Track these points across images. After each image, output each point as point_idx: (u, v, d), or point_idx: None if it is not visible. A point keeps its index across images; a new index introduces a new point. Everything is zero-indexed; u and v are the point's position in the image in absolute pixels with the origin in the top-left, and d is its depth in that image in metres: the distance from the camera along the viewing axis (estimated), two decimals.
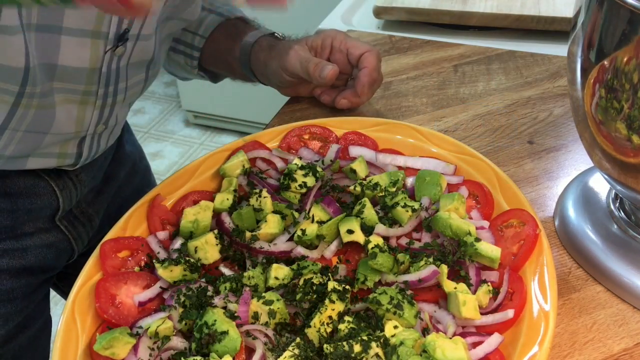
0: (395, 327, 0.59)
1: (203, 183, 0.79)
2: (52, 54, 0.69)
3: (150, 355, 0.60)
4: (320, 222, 0.71)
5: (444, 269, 0.63)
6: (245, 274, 0.66)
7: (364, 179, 0.76)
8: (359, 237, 0.68)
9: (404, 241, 0.70)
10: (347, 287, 0.63)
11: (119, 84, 0.79)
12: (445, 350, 0.56)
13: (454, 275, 0.65)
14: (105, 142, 0.87)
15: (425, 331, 0.61)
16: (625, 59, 0.55)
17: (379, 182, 0.74)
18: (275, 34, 0.98)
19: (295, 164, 0.77)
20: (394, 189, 0.74)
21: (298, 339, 0.59)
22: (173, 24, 0.89)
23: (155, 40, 0.81)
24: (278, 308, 0.62)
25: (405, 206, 0.70)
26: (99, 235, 0.99)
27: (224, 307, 0.63)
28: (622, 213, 0.71)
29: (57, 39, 0.68)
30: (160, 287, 0.66)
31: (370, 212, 0.71)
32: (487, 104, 0.98)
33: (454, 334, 0.60)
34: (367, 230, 0.70)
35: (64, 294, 1.12)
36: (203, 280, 0.67)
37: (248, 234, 0.70)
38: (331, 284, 0.63)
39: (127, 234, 0.71)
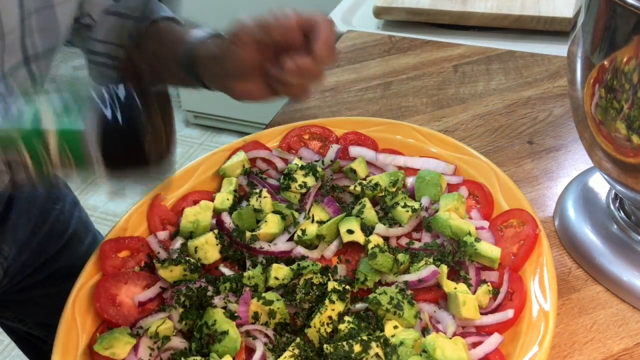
0: (395, 327, 0.60)
1: (203, 183, 0.79)
2: None
3: (150, 355, 0.60)
4: (320, 222, 0.71)
5: (444, 269, 0.63)
6: (245, 274, 0.66)
7: (364, 179, 0.76)
8: (359, 237, 0.68)
9: (404, 241, 0.70)
10: (347, 287, 0.63)
11: None
12: (445, 350, 0.56)
13: (454, 275, 0.65)
14: None
15: (425, 331, 0.61)
16: (625, 59, 0.55)
17: (379, 182, 0.74)
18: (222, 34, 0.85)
19: (295, 164, 0.77)
20: (394, 189, 0.74)
21: (298, 339, 0.59)
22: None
23: None
24: (278, 308, 0.62)
25: (405, 206, 0.70)
26: (17, 262, 0.95)
27: (224, 307, 0.63)
28: (622, 213, 0.71)
29: None
30: (160, 287, 0.66)
31: (370, 212, 0.71)
32: (487, 104, 0.98)
33: (454, 334, 0.60)
34: (367, 230, 0.70)
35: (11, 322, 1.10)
36: (203, 280, 0.67)
37: (248, 234, 0.70)
38: (331, 284, 0.63)
39: (127, 234, 0.71)
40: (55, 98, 0.50)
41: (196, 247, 0.68)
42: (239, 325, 0.61)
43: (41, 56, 0.81)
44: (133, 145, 0.51)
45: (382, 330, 0.60)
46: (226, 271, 0.68)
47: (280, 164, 0.80)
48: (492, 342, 0.58)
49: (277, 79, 0.81)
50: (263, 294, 0.63)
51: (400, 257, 0.66)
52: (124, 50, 0.90)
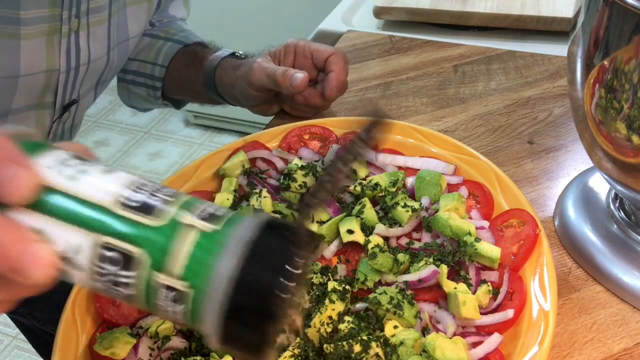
0: (395, 327, 0.59)
1: (203, 183, 0.79)
2: None
3: (150, 355, 0.60)
4: (320, 222, 0.71)
5: (444, 269, 0.63)
6: None
7: (364, 179, 0.76)
8: (359, 237, 0.68)
9: (404, 241, 0.70)
10: (347, 287, 0.63)
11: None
12: (445, 350, 0.56)
13: (454, 275, 0.65)
14: None
15: (425, 331, 0.61)
16: (625, 59, 0.55)
17: (379, 182, 0.74)
18: (236, 54, 0.96)
19: (295, 164, 0.77)
20: (394, 189, 0.74)
21: (298, 339, 0.59)
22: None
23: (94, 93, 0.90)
24: None
25: (405, 206, 0.70)
26: None
27: None
28: (622, 213, 0.71)
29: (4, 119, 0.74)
30: None
31: (370, 212, 0.71)
32: (487, 104, 0.98)
33: (454, 334, 0.60)
34: (367, 230, 0.70)
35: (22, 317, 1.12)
36: None
37: None
38: (331, 284, 0.63)
39: None
40: (205, 205, 0.38)
41: None
42: None
43: (105, 82, 0.90)
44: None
45: (382, 330, 0.60)
46: None
47: (280, 164, 0.80)
48: (492, 342, 0.58)
49: (285, 101, 0.94)
50: None
51: (400, 257, 0.66)
52: (155, 68, 1.01)
